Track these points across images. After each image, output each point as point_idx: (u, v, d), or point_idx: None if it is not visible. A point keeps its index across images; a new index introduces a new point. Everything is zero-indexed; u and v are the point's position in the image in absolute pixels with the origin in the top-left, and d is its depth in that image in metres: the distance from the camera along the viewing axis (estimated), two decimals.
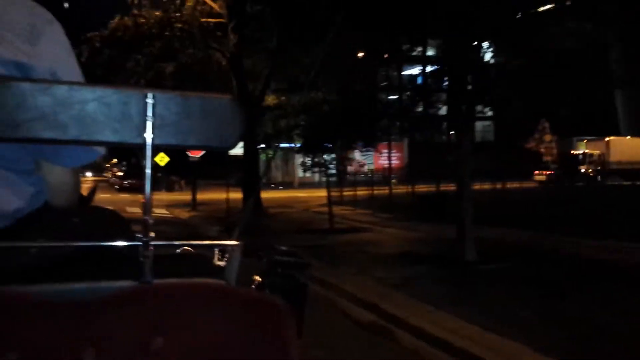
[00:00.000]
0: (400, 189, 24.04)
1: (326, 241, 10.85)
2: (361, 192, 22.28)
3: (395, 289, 6.31)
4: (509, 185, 23.97)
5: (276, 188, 31.96)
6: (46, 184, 1.09)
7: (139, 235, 0.93)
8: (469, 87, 7.97)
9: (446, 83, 8.49)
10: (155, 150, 0.93)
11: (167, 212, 19.52)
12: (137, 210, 19.38)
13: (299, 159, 39.10)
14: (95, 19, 15.71)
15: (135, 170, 38.40)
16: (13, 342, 0.82)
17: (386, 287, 6.50)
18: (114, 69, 15.34)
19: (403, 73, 38.00)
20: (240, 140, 1.06)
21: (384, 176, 29.10)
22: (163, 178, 34.50)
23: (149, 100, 0.89)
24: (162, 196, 30.05)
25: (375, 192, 22.92)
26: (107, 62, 14.73)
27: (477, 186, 19.54)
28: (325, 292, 6.92)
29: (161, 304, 0.91)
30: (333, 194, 20.78)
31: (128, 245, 0.96)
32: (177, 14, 14.71)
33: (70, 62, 1.08)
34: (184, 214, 18.84)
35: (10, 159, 1.02)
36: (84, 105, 0.88)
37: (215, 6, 15.78)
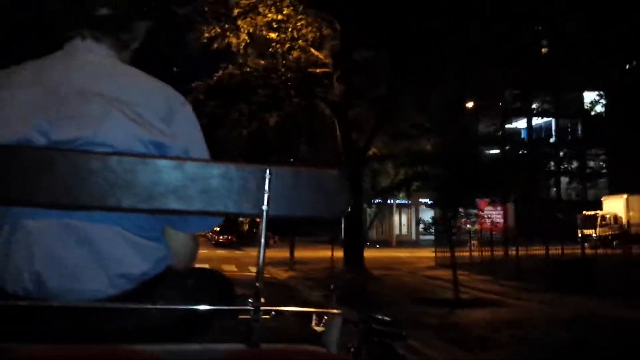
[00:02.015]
0: (522, 252, 21.19)
1: (455, 317, 8.72)
2: (464, 253, 19.72)
3: None
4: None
5: (373, 246, 29.94)
6: (170, 249, 1.14)
7: (250, 300, 0.96)
8: None
9: None
10: (270, 220, 0.96)
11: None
12: (232, 268, 18.29)
13: (396, 215, 37.22)
14: (200, 70, 15.17)
15: (230, 226, 38.06)
16: None
17: None
18: (218, 120, 14.57)
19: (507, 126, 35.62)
20: (346, 211, 1.04)
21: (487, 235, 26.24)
22: (257, 235, 33.60)
23: (266, 175, 0.96)
24: (257, 253, 29.04)
25: (483, 254, 20.25)
26: (211, 113, 13.96)
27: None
28: None
29: None
30: (439, 254, 18.67)
31: (240, 310, 1.02)
32: (283, 62, 13.75)
33: (199, 140, 1.16)
34: (281, 273, 17.35)
35: (142, 226, 1.08)
36: (210, 179, 0.96)
37: (320, 55, 14.76)
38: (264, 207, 0.95)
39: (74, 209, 0.98)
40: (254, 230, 39.11)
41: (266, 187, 0.95)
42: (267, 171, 0.95)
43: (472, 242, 20.77)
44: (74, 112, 1.05)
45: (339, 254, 15.66)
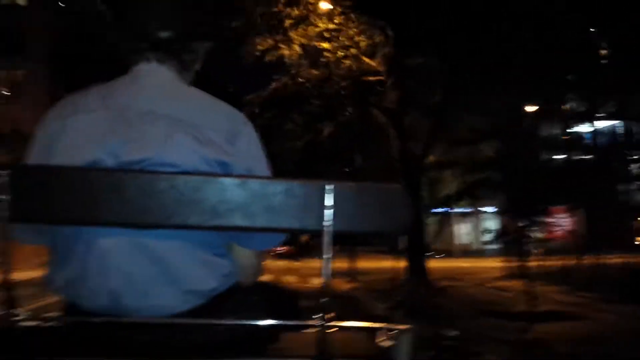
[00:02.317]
0: (586, 261, 19.86)
1: (533, 332, 8.09)
2: (533, 262, 18.58)
3: None
4: None
5: (434, 256, 29.03)
6: (236, 265, 1.18)
7: (318, 316, 0.97)
8: None
9: None
10: (332, 236, 0.98)
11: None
12: (293, 280, 18.13)
13: (457, 224, 36.03)
14: (253, 83, 15.15)
15: (289, 237, 37.97)
16: None
17: None
18: (272, 132, 14.49)
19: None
20: (410, 226, 1.04)
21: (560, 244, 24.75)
22: (316, 246, 33.47)
23: (328, 191, 0.98)
24: (317, 264, 28.80)
25: (551, 263, 19.05)
26: (266, 125, 13.89)
27: None
28: None
29: None
30: (508, 264, 17.77)
31: (306, 326, 1.04)
32: (336, 70, 13.49)
33: (261, 158, 1.19)
34: (342, 284, 17.01)
35: (209, 243, 1.12)
36: (273, 196, 0.98)
37: (373, 63, 14.42)
38: (327, 223, 0.96)
39: (143, 227, 1.01)
40: (312, 241, 38.93)
41: (328, 203, 0.95)
42: (329, 187, 0.96)
43: (537, 250, 19.71)
44: (141, 134, 1.08)
45: (401, 264, 15.14)
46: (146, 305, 1.07)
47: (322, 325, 0.97)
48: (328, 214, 0.96)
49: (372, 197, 1.01)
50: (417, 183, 14.66)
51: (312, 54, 14.04)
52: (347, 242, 20.98)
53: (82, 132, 1.10)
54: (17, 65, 28.80)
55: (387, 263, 22.93)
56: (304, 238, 46.23)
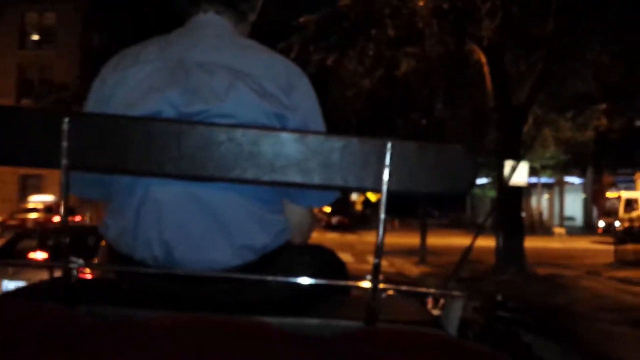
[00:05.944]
0: None
1: None
2: None
3: None
4: None
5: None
6: (289, 223, 1.18)
7: (368, 278, 0.96)
8: None
9: None
10: (391, 196, 0.95)
11: (385, 264, 15.25)
12: (349, 258, 15.48)
13: (534, 196, 32.60)
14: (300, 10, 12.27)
15: (343, 208, 35.75)
16: None
17: None
18: (330, 69, 11.73)
19: None
20: (472, 187, 1.02)
21: None
22: (372, 216, 30.96)
23: (388, 149, 0.95)
24: (374, 238, 26.33)
25: None
26: (322, 59, 11.17)
27: None
28: None
29: (386, 349, 0.92)
30: (606, 246, 14.84)
31: (356, 287, 1.05)
32: None
33: (317, 112, 1.20)
34: (409, 267, 14.35)
35: (263, 199, 1.13)
36: (331, 153, 0.96)
37: None
38: (385, 182, 0.95)
39: (200, 180, 1.02)
40: (368, 212, 36.28)
41: (387, 162, 0.95)
42: (389, 145, 0.95)
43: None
44: (200, 85, 1.10)
45: (485, 243, 12.32)
46: (199, 259, 1.08)
47: (373, 288, 0.95)
48: (386, 172, 0.94)
49: (433, 157, 0.97)
50: (517, 138, 11.70)
51: None
52: (405, 213, 18.22)
53: (141, 83, 1.11)
54: (48, 7, 27.24)
55: (458, 240, 20.15)
56: (358, 208, 43.92)
